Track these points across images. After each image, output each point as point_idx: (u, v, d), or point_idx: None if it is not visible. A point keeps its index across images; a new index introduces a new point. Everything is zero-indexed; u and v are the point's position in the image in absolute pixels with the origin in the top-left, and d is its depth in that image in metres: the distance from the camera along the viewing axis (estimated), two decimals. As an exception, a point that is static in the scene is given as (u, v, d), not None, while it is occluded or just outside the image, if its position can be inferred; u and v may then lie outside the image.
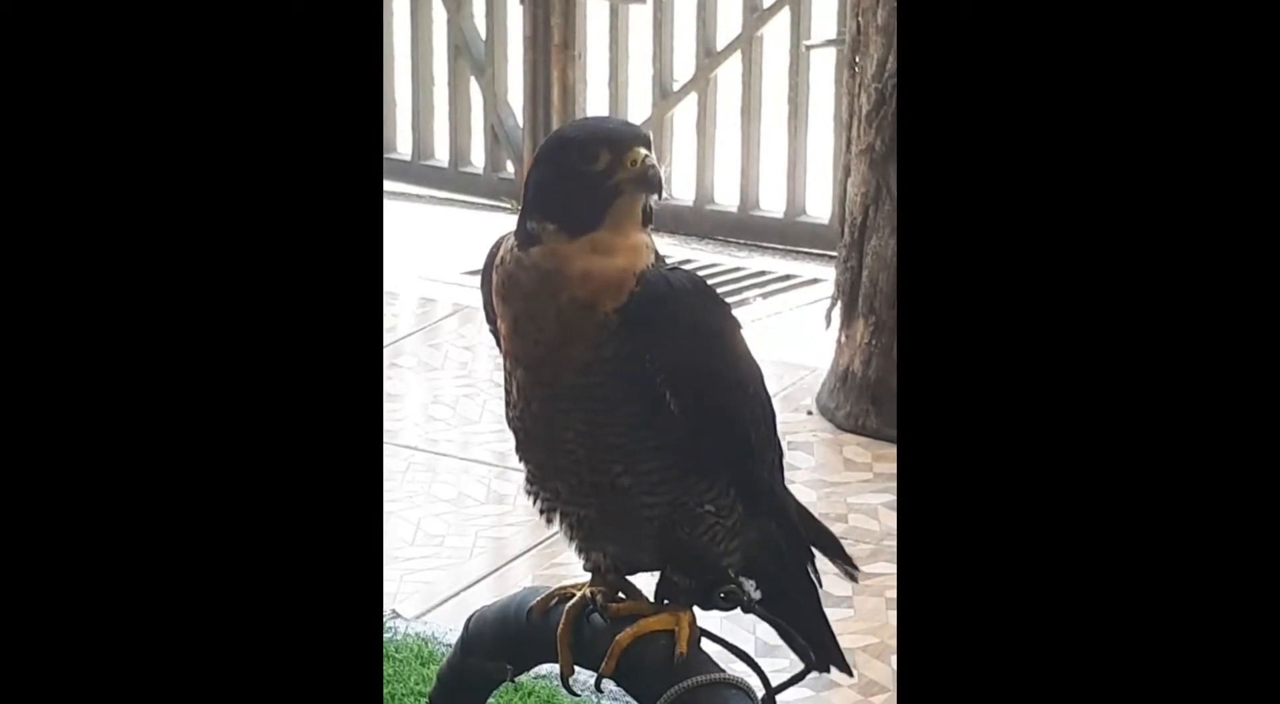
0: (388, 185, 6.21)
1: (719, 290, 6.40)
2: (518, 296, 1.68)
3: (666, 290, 1.66)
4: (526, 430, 1.74)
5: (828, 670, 1.85)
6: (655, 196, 1.67)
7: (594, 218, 1.65)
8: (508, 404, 1.75)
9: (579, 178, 1.65)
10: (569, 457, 1.71)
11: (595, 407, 1.68)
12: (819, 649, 1.83)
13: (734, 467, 1.75)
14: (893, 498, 4.22)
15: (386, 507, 4.02)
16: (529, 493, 1.77)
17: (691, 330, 1.68)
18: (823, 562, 1.88)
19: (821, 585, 1.86)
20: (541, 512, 1.77)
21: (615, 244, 1.66)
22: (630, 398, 1.67)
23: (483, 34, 6.91)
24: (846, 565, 1.87)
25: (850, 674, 1.89)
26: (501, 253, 1.71)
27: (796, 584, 1.85)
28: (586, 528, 1.76)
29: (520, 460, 1.77)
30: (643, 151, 1.66)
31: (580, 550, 1.80)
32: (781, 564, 1.83)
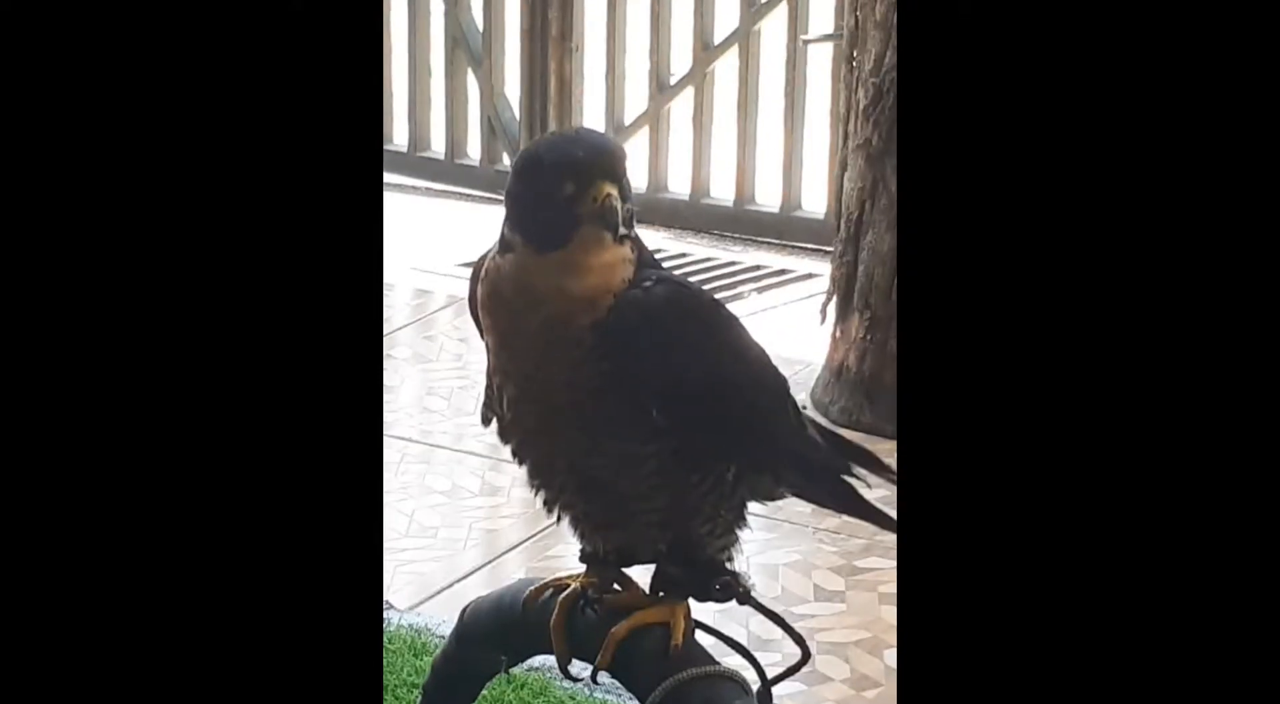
0: (384, 177, 6.19)
1: (713, 285, 6.29)
2: (501, 308, 1.68)
3: (641, 310, 1.65)
4: (520, 442, 1.74)
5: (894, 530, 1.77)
6: (619, 232, 1.65)
7: (560, 240, 1.64)
8: (496, 417, 1.74)
9: (545, 200, 1.65)
10: (566, 464, 1.72)
11: (586, 423, 1.68)
12: (879, 521, 1.87)
13: (737, 457, 1.76)
14: (885, 493, 4.21)
15: (381, 498, 4.02)
16: (531, 487, 1.77)
17: (670, 348, 1.67)
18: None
19: (870, 486, 1.89)
20: (545, 503, 1.78)
21: (585, 263, 1.65)
22: (620, 413, 1.67)
23: (480, 26, 6.91)
24: (887, 474, 1.87)
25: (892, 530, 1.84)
26: (486, 265, 1.71)
27: (834, 498, 1.91)
28: (591, 522, 1.77)
29: (517, 464, 1.77)
30: (606, 189, 1.64)
31: (584, 539, 1.80)
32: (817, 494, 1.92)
